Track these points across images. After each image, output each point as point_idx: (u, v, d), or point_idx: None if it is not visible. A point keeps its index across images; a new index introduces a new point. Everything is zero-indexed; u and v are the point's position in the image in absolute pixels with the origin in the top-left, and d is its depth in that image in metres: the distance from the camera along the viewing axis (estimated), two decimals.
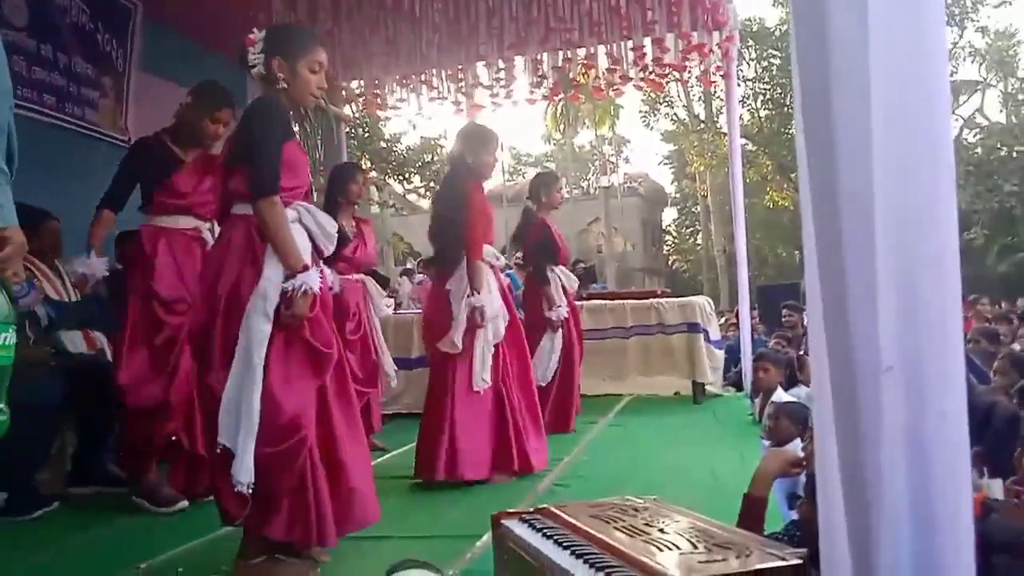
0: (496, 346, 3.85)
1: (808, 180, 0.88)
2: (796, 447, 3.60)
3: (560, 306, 5.09)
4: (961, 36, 26.31)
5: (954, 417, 0.78)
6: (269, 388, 2.35)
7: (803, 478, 3.22)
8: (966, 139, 27.08)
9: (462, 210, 3.80)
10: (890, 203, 0.81)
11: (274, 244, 2.39)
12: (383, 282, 5.16)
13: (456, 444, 3.67)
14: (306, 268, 2.41)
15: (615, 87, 6.65)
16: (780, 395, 4.60)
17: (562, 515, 1.70)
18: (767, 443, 4.19)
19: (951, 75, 25.46)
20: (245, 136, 2.50)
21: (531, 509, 1.83)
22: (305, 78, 2.53)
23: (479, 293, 3.73)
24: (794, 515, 2.43)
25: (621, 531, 1.58)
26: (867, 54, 0.83)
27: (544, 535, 1.62)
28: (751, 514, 2.08)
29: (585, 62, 6.36)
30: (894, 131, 0.83)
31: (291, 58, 2.51)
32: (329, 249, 2.60)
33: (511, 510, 1.87)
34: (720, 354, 6.73)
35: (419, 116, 7.13)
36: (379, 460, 4.26)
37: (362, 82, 6.95)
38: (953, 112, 26.14)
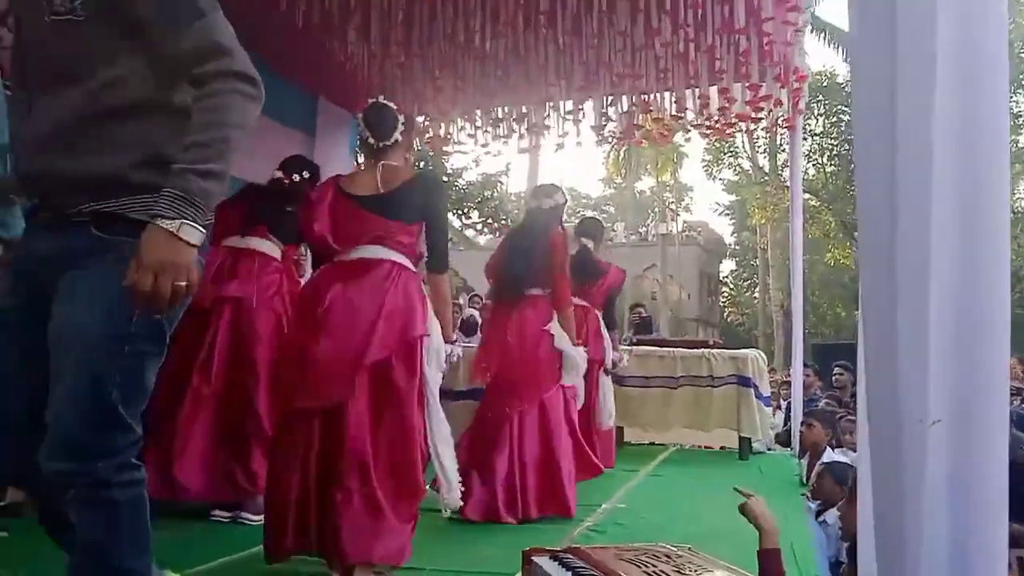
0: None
1: (866, 235, 0.88)
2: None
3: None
4: None
5: (997, 472, 0.77)
6: None
7: (845, 544, 3.12)
8: None
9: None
10: (945, 259, 0.80)
11: (442, 315, 2.69)
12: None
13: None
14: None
15: (678, 131, 6.66)
16: (829, 454, 4.49)
17: (593, 556, 1.69)
18: (812, 504, 4.08)
19: None
20: (438, 202, 2.78)
21: (562, 548, 1.82)
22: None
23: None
24: None
25: None
26: (931, 116, 0.84)
27: (574, 574, 1.61)
28: (771, 567, 2.04)
29: (652, 107, 6.39)
30: (954, 192, 0.83)
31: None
32: None
33: (543, 547, 1.86)
34: (768, 411, 6.59)
35: (483, 152, 7.22)
36: None
37: (428, 117, 7.09)
38: None
